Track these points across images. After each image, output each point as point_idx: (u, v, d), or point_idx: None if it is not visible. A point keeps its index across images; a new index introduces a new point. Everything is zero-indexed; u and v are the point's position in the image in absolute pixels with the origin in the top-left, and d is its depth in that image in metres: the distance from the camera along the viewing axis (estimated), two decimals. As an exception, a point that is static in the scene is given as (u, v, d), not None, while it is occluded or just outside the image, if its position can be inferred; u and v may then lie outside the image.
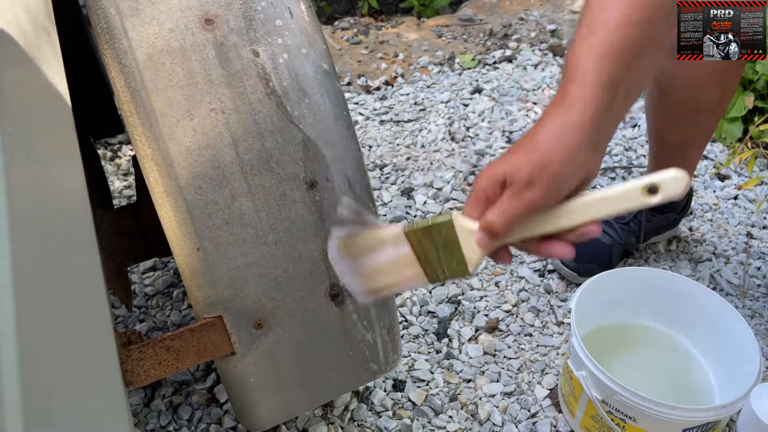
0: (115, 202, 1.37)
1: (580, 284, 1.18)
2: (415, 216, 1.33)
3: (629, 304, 1.02)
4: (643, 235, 1.19)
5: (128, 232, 0.80)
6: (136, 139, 0.58)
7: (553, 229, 0.52)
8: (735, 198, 1.38)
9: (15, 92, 0.42)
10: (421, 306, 1.15)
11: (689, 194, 1.23)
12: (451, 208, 1.34)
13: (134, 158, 0.93)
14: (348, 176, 0.64)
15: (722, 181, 1.42)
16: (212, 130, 0.59)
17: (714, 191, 1.39)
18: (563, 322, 1.12)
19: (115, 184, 1.42)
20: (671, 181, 0.49)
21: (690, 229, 1.30)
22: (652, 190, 0.49)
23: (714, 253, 1.25)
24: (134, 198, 1.41)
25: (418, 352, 1.08)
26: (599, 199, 0.51)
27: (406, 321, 1.13)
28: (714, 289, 1.18)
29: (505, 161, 0.53)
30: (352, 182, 0.64)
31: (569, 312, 0.99)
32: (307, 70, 0.62)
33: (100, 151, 1.50)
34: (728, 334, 0.92)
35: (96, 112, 0.98)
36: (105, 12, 0.58)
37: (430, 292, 1.18)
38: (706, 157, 1.48)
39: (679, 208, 1.21)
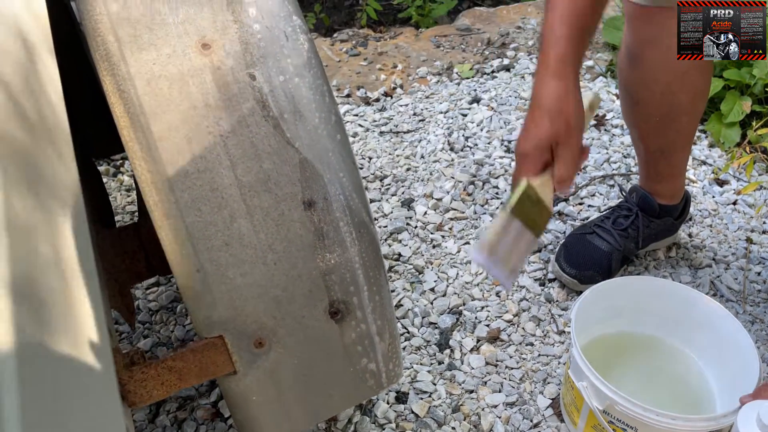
0: (118, 218, 1.38)
1: (580, 292, 1.18)
2: (416, 227, 1.34)
3: (629, 313, 1.03)
4: (641, 240, 1.20)
5: (130, 251, 0.81)
6: (136, 163, 0.59)
7: None
8: (734, 203, 1.38)
9: (9, 114, 0.43)
10: (423, 317, 1.16)
11: (687, 199, 1.23)
12: (451, 219, 1.35)
13: (135, 180, 0.94)
14: (345, 195, 0.65)
15: (721, 186, 1.43)
16: (210, 153, 0.60)
17: (713, 196, 1.40)
18: (564, 331, 1.13)
19: (118, 200, 1.43)
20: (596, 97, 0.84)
21: (689, 235, 1.31)
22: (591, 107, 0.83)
23: (714, 259, 1.25)
24: (137, 214, 1.42)
25: (420, 364, 1.08)
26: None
27: (408, 332, 1.13)
28: (714, 295, 1.18)
29: (539, 129, 0.77)
30: (349, 200, 0.65)
31: (570, 321, 1.01)
32: (303, 91, 0.63)
33: (103, 168, 1.52)
34: (729, 342, 0.93)
35: (98, 131, 0.99)
36: (104, 39, 0.59)
37: (432, 303, 1.18)
38: (704, 163, 1.48)
39: (677, 213, 1.21)
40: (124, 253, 0.82)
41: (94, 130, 1.00)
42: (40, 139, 0.50)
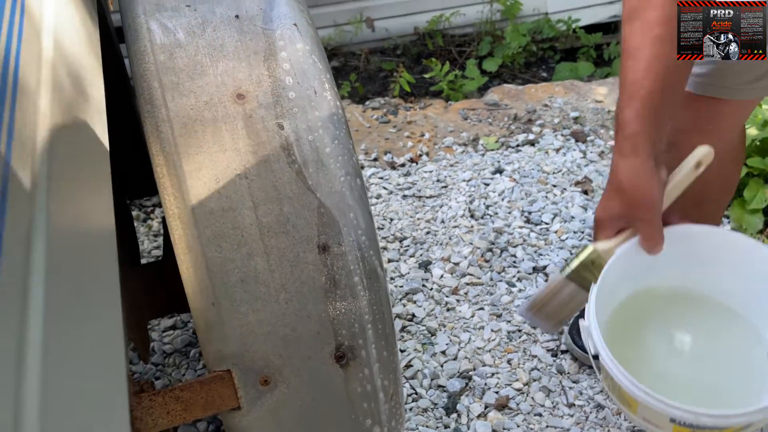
0: (143, 261, 1.43)
1: (592, 367, 1.17)
2: (432, 289, 1.35)
3: (665, 267, 0.83)
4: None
5: (152, 288, 0.85)
6: (166, 198, 0.63)
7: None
8: (754, 288, 1.37)
9: (61, 151, 0.47)
10: (432, 379, 1.15)
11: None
12: (467, 283, 1.36)
13: (164, 219, 0.99)
14: (359, 242, 0.68)
15: (742, 270, 1.42)
16: (235, 193, 0.64)
17: (733, 280, 1.38)
18: (574, 404, 1.11)
19: (145, 244, 1.48)
20: (707, 153, 0.81)
21: (708, 317, 1.29)
22: (697, 165, 0.81)
23: (732, 343, 1.23)
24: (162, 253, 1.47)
25: (426, 426, 1.07)
26: (671, 188, 0.81)
27: (416, 393, 1.13)
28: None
29: (613, 204, 0.80)
30: (362, 248, 0.68)
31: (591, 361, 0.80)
32: (326, 142, 0.67)
33: (134, 213, 1.58)
34: None
35: (133, 174, 1.05)
36: (149, 84, 0.64)
37: (442, 366, 1.18)
38: (725, 246, 1.48)
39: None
40: (146, 288, 0.86)
41: (130, 171, 1.06)
42: (84, 170, 0.54)
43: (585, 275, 0.80)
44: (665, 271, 0.84)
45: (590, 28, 2.63)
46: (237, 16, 0.69)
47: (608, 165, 1.75)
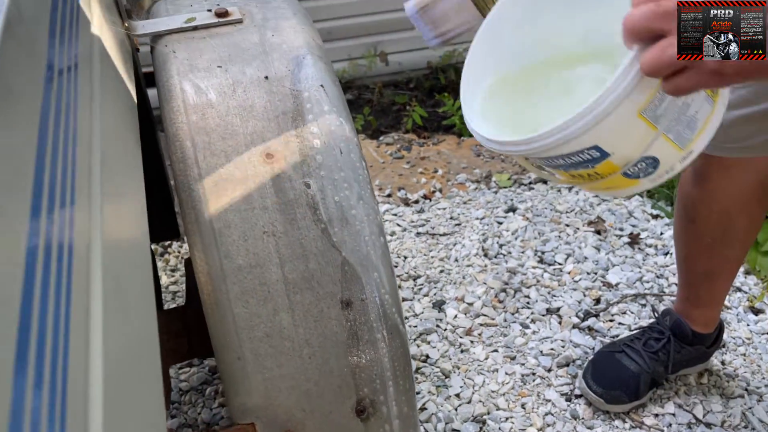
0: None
1: (607, 411, 1.17)
2: (446, 329, 1.36)
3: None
4: (671, 365, 1.19)
5: (174, 332, 0.86)
6: (196, 254, 0.65)
7: None
8: (769, 333, 1.37)
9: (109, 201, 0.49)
10: (446, 423, 1.16)
11: (721, 329, 1.23)
12: (481, 324, 1.37)
13: (186, 261, 1.01)
14: (381, 298, 0.69)
15: (756, 315, 1.42)
16: (263, 250, 0.66)
17: (747, 325, 1.39)
18: (589, 451, 1.11)
19: (163, 279, 1.50)
20: None
21: (722, 363, 1.29)
22: None
23: (746, 390, 1.23)
24: (179, 293, 1.48)
25: (440, 471, 1.07)
26: None
27: (430, 437, 1.13)
28: (746, 428, 1.15)
29: None
30: (384, 304, 0.69)
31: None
32: (351, 201, 0.69)
33: (152, 246, 1.60)
34: None
35: (158, 218, 1.08)
36: (182, 144, 0.67)
37: (456, 409, 1.19)
38: (739, 290, 1.48)
39: (709, 341, 1.21)
40: (169, 333, 0.87)
41: (153, 216, 1.09)
42: (124, 208, 0.56)
43: None
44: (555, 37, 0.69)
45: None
46: (266, 78, 0.72)
47: (620, 204, 1.77)
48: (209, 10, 0.80)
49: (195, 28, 0.78)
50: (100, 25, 0.66)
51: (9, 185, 0.31)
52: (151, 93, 0.96)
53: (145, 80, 1.06)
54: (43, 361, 0.28)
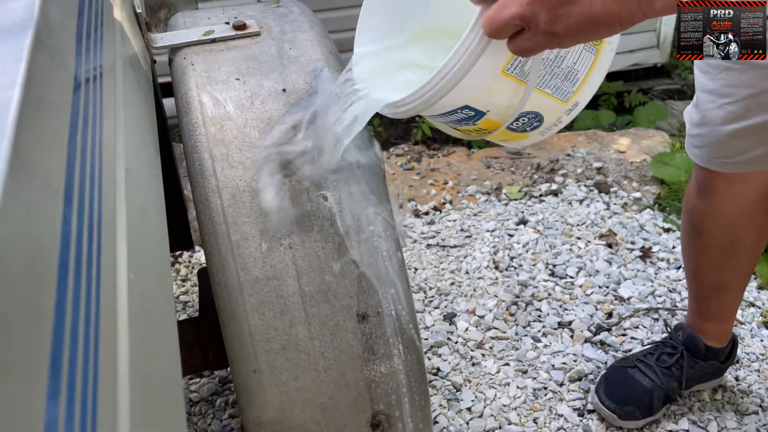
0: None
1: (620, 427, 1.16)
2: (457, 342, 1.35)
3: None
4: (684, 381, 1.18)
5: (188, 344, 0.86)
6: (213, 266, 0.65)
7: None
8: (783, 349, 1.35)
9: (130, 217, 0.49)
10: (457, 436, 1.15)
11: (734, 343, 1.22)
12: (492, 337, 1.36)
13: (199, 272, 1.01)
14: (397, 311, 0.69)
15: (770, 330, 1.41)
16: (280, 262, 0.65)
17: (761, 340, 1.37)
18: (602, 467, 1.10)
19: (173, 289, 1.50)
20: None
21: (736, 379, 1.28)
22: None
23: (761, 406, 1.22)
24: (189, 303, 1.49)
25: (452, 486, 1.06)
26: None
27: (442, 451, 1.12)
28: (762, 445, 1.14)
29: None
30: (400, 317, 0.69)
31: None
32: (368, 213, 0.69)
33: (163, 256, 1.61)
34: None
35: (171, 228, 1.08)
36: (200, 156, 0.67)
37: (467, 423, 1.18)
38: (752, 305, 1.47)
39: (723, 356, 1.20)
40: (182, 344, 0.87)
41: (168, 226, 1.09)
42: (148, 227, 0.57)
43: None
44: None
45: (611, 76, 2.66)
46: (284, 90, 0.72)
47: (631, 217, 1.76)
48: (227, 23, 0.80)
49: (213, 41, 0.78)
50: (122, 37, 0.66)
51: (41, 200, 0.31)
52: (167, 103, 0.97)
53: (161, 90, 1.06)
54: (74, 376, 0.28)
